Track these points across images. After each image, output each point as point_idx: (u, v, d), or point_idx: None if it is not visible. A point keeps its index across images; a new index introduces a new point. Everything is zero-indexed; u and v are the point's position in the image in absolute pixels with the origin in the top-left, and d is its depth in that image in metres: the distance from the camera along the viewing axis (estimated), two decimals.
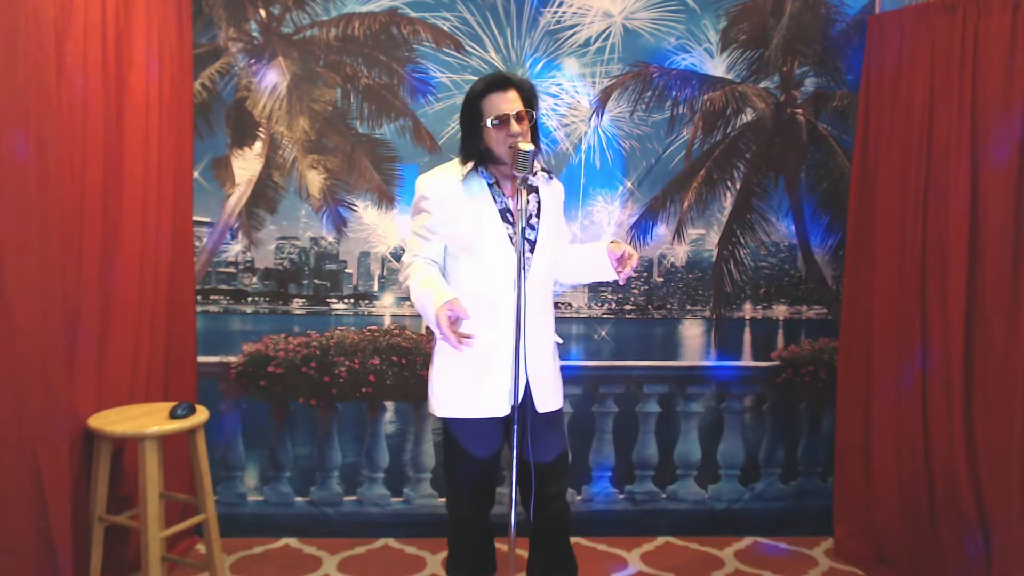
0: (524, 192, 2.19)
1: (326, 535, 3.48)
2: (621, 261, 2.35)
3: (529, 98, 2.30)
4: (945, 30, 3.01)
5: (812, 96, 3.55)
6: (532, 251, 2.35)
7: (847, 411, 3.41)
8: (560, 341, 2.50)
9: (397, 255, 3.55)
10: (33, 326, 2.47)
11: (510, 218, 2.31)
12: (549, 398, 2.40)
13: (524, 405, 2.29)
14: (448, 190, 2.31)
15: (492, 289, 2.28)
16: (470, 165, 2.31)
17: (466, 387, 2.33)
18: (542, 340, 2.39)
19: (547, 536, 2.51)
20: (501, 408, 2.31)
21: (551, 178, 2.46)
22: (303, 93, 3.42)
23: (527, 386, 2.31)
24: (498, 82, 2.27)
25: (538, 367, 2.35)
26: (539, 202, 2.38)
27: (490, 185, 2.33)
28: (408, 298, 3.51)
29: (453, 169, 2.35)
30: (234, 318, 3.51)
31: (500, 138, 2.25)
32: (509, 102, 2.25)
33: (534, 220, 2.37)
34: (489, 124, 2.24)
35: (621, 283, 2.37)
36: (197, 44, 3.33)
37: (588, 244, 2.52)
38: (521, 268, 2.11)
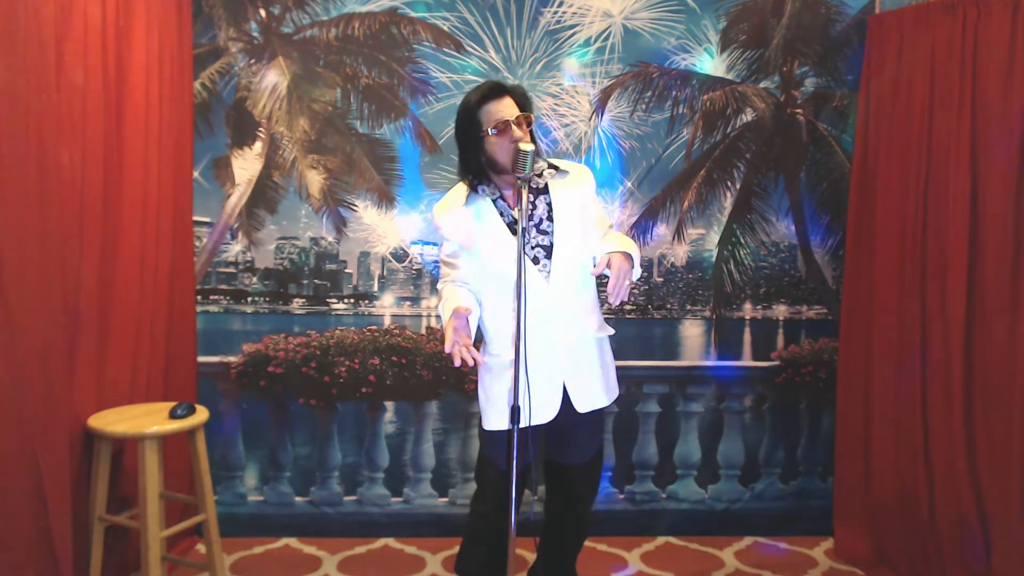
0: (526, 192, 2.16)
1: (326, 535, 3.48)
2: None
3: (524, 103, 2.29)
4: (945, 30, 3.00)
5: (812, 96, 3.55)
6: (549, 256, 2.30)
7: (847, 411, 3.41)
8: (612, 332, 2.45)
9: (397, 255, 3.55)
10: (33, 326, 2.47)
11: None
12: (591, 397, 2.37)
13: (563, 407, 2.31)
14: (456, 215, 2.32)
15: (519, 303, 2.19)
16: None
17: (506, 401, 2.29)
18: (580, 339, 2.35)
19: (563, 539, 2.52)
20: (540, 418, 2.30)
21: (564, 173, 2.35)
22: (303, 93, 3.42)
23: (564, 387, 2.32)
24: (493, 91, 2.26)
25: (579, 367, 2.34)
26: (549, 203, 2.33)
27: (494, 201, 2.31)
28: (408, 298, 3.60)
29: (459, 192, 2.35)
30: (234, 318, 3.51)
31: (503, 145, 2.22)
32: (507, 108, 2.24)
33: (546, 224, 2.31)
34: (490, 132, 2.22)
35: (612, 303, 2.21)
36: (197, 44, 3.33)
37: (608, 239, 2.39)
38: (521, 274, 2.08)
